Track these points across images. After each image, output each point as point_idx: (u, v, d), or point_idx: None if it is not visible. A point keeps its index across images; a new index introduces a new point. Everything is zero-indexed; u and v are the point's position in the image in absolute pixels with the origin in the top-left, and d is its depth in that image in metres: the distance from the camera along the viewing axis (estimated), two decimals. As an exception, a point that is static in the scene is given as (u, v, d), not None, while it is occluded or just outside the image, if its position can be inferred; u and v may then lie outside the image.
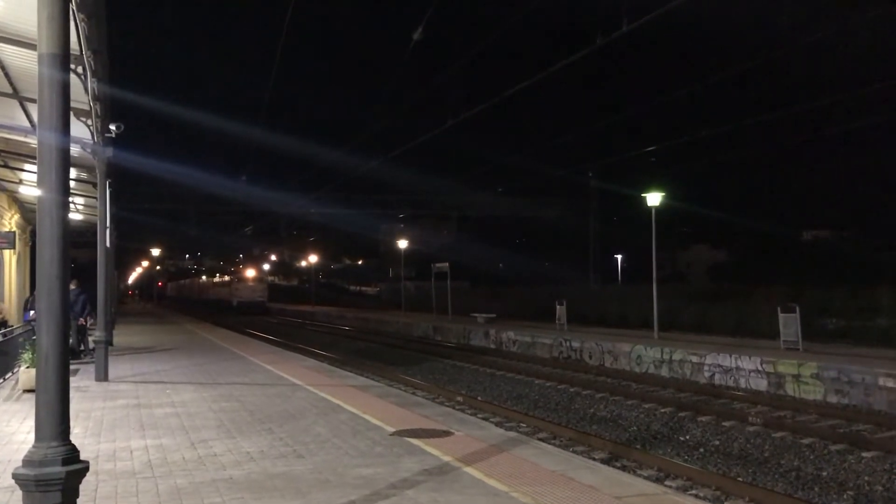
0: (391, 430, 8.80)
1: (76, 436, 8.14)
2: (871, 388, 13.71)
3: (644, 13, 15.08)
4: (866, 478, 9.55)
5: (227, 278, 72.91)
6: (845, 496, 8.99)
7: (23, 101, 12.70)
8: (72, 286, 17.85)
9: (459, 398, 15.48)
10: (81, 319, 17.63)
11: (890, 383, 13.40)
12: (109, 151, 14.11)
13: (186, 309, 65.15)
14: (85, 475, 4.20)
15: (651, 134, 56.30)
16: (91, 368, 14.26)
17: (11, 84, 11.89)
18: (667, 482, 8.99)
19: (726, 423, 12.50)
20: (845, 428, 12.01)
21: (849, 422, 12.47)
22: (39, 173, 4.19)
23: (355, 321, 42.52)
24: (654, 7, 14.77)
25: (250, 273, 70.79)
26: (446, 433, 8.61)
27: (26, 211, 27.14)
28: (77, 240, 31.46)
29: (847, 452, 10.53)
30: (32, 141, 14.48)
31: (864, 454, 10.36)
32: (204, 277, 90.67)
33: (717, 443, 11.60)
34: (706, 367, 17.44)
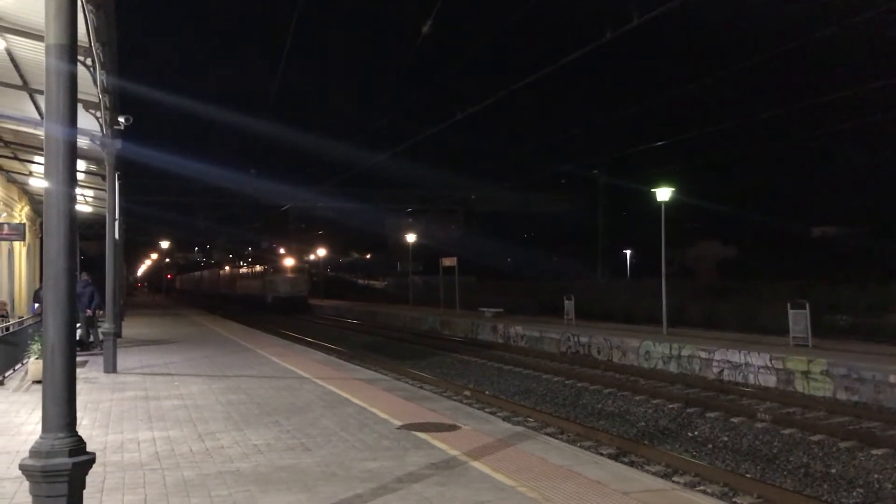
0: (398, 423, 8.80)
1: (84, 427, 8.18)
2: (881, 385, 13.62)
3: (654, 7, 14.98)
4: (876, 475, 9.49)
5: (259, 268, 60.06)
6: (854, 493, 8.94)
7: (32, 93, 12.75)
8: (83, 277, 18.01)
9: (467, 392, 15.47)
10: (89, 311, 17.69)
11: (900, 380, 13.31)
12: (118, 144, 14.13)
13: (201, 303, 60.24)
14: (91, 467, 4.20)
15: (661, 129, 56.00)
16: (100, 360, 14.33)
17: (21, 76, 11.93)
18: (675, 478, 8.96)
19: (735, 420, 12.45)
20: (855, 425, 11.94)
21: (858, 419, 12.40)
22: (46, 165, 4.20)
23: (363, 315, 42.56)
24: (664, 1, 14.67)
25: (289, 262, 57.25)
26: (453, 427, 8.60)
27: (36, 203, 27.24)
28: (86, 232, 31.60)
29: (856, 450, 10.46)
30: (42, 133, 14.50)
31: (874, 451, 10.29)
32: (227, 268, 78.03)
33: (726, 439, 11.56)
34: (715, 363, 17.37)
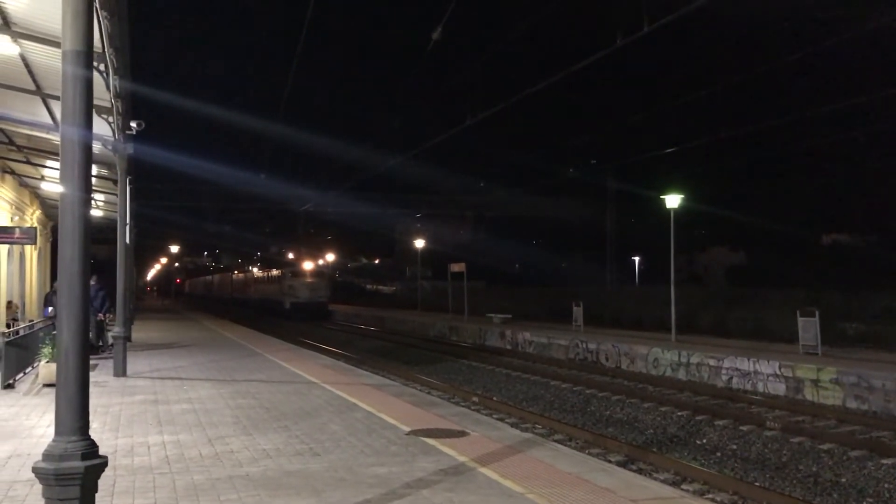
0: (407, 429, 8.81)
1: (94, 431, 8.21)
2: (891, 394, 13.55)
3: (665, 14, 14.98)
4: (886, 485, 9.44)
5: (276, 272, 56.88)
6: (864, 503, 8.90)
7: (46, 98, 12.86)
8: (91, 282, 18.14)
9: (475, 398, 15.46)
10: (100, 315, 17.78)
11: (911, 389, 13.23)
12: (130, 148, 14.23)
13: (211, 308, 59.12)
14: (103, 470, 4.23)
15: (671, 135, 55.84)
16: (110, 364, 14.39)
17: (35, 81, 12.04)
18: (683, 486, 8.93)
19: (744, 428, 12.40)
20: (865, 434, 11.88)
21: (868, 428, 12.33)
22: (62, 170, 4.23)
23: (371, 320, 42.57)
24: (675, 8, 14.67)
25: (309, 266, 54.07)
26: (462, 433, 8.60)
27: (47, 207, 27.44)
28: (97, 236, 31.81)
29: (866, 459, 10.40)
30: (54, 138, 14.64)
31: (884, 461, 10.22)
32: (239, 272, 75.58)
33: (735, 447, 11.51)
34: (724, 371, 17.31)
